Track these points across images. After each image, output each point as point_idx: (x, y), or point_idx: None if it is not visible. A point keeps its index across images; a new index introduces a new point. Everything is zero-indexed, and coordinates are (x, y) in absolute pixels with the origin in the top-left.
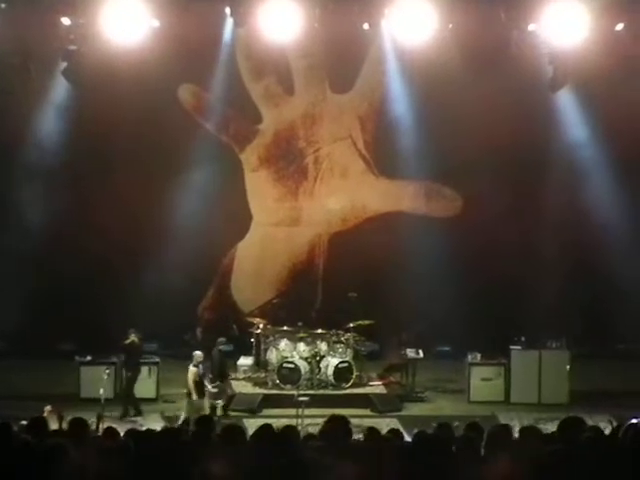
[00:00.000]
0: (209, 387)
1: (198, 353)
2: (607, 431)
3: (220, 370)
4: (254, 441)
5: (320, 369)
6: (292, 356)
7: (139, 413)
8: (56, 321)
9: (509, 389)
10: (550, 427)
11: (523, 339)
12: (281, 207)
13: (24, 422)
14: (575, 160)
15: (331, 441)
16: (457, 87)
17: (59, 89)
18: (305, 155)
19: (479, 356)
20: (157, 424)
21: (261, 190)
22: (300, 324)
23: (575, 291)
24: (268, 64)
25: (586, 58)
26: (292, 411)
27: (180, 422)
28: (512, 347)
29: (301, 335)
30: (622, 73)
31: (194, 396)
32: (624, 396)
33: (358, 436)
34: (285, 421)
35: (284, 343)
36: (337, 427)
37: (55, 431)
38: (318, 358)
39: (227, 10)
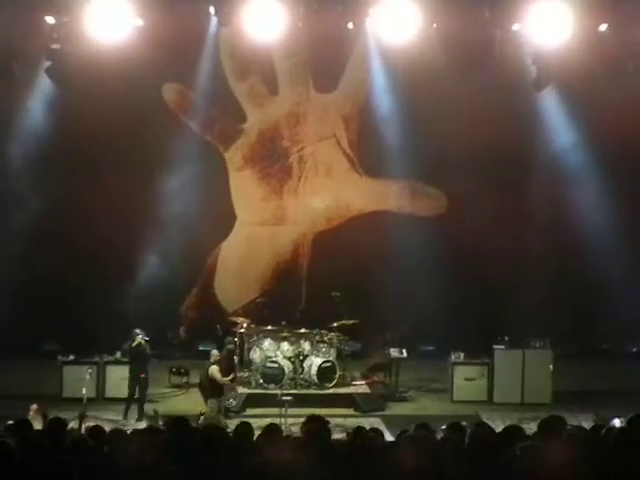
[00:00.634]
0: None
1: (215, 352)
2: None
3: (229, 369)
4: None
5: (303, 368)
6: (276, 355)
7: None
8: (40, 321)
9: (492, 389)
10: (533, 427)
11: (507, 339)
12: (265, 206)
13: (10, 422)
14: (559, 160)
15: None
16: (441, 86)
17: (43, 88)
18: (289, 154)
19: (462, 356)
20: (139, 424)
21: (245, 189)
22: (284, 323)
23: (559, 291)
24: (252, 63)
25: (570, 58)
26: (275, 410)
27: (200, 423)
28: (495, 347)
29: (285, 334)
30: (605, 73)
31: (217, 395)
32: (607, 396)
33: (340, 435)
34: (268, 420)
35: (268, 342)
36: (316, 427)
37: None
38: (301, 357)
39: (211, 9)
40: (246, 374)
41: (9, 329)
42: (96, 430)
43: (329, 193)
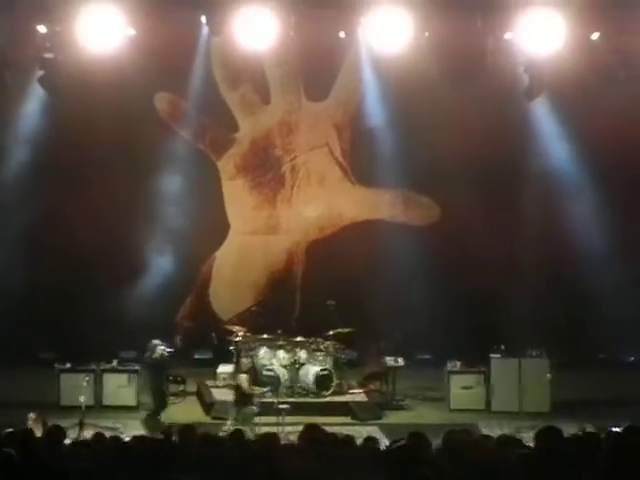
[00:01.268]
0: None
1: (245, 361)
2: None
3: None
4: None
5: (300, 377)
6: (272, 364)
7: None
8: (36, 329)
9: (490, 397)
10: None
11: (503, 347)
12: (258, 215)
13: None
14: (552, 169)
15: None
16: (433, 95)
17: (35, 97)
18: (282, 163)
19: (459, 364)
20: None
21: (238, 198)
22: (279, 332)
23: (555, 299)
24: (244, 72)
25: (562, 67)
26: (272, 419)
27: (228, 432)
28: (492, 355)
29: (280, 343)
30: (597, 82)
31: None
32: (605, 405)
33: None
34: (266, 429)
35: (263, 351)
36: (314, 436)
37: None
38: (298, 366)
39: (203, 19)
40: None
41: (5, 338)
42: (97, 437)
43: (322, 202)
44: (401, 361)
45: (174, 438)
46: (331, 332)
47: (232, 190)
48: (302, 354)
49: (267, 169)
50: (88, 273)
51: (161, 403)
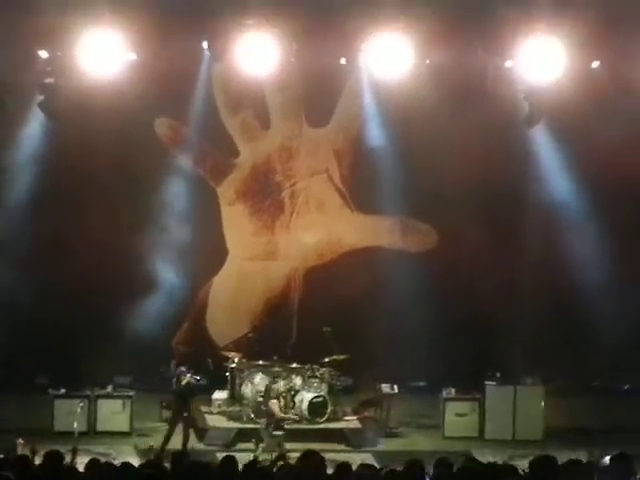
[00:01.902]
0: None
1: (275, 386)
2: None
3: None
4: None
5: (295, 403)
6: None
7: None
8: (30, 355)
9: (484, 425)
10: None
11: (498, 375)
12: (257, 241)
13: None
14: (551, 197)
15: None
16: (434, 122)
17: (36, 121)
18: (282, 189)
19: (454, 391)
20: (131, 458)
21: (237, 224)
22: (275, 358)
23: (551, 327)
24: (245, 98)
25: (562, 94)
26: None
27: (260, 459)
28: (487, 382)
29: (276, 369)
30: (598, 111)
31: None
32: (599, 433)
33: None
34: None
35: (259, 377)
36: (312, 463)
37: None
38: (293, 392)
39: (204, 44)
40: (237, 409)
41: (0, 363)
42: (92, 463)
43: (321, 228)
44: (396, 388)
45: (166, 464)
46: (327, 359)
47: (231, 216)
48: (297, 381)
49: (266, 195)
50: (84, 298)
51: (184, 429)
